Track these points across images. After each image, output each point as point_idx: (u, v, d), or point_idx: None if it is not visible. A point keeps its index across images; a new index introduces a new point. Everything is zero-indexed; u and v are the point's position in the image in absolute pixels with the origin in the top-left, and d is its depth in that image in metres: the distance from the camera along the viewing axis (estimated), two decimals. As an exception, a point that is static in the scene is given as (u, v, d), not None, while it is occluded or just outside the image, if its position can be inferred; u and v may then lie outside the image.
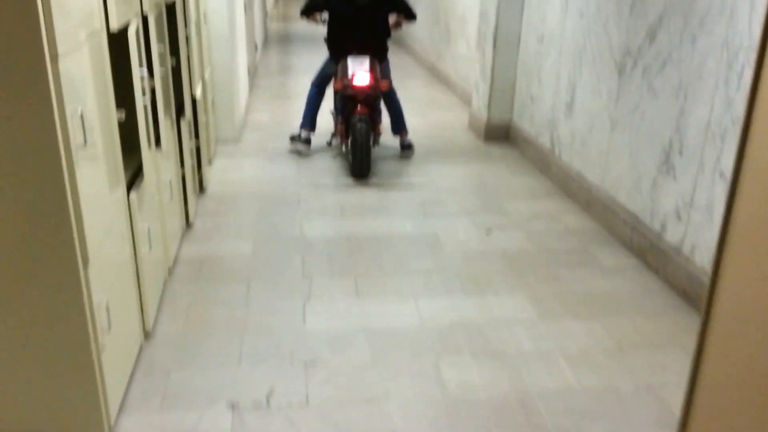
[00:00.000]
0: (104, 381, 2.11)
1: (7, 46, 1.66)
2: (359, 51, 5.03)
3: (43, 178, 1.79)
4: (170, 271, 3.33)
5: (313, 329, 2.91)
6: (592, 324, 2.99)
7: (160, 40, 3.00)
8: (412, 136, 5.70)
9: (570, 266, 3.53)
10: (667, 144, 3.37)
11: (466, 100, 7.20)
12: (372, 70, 4.86)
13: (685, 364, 2.69)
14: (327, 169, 5.09)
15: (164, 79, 3.11)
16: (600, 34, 4.07)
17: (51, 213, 1.83)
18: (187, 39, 3.80)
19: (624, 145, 3.82)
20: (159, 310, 3.00)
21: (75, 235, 1.88)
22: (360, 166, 4.79)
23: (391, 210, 4.28)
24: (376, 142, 5.20)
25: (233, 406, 2.40)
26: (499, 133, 5.82)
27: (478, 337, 2.87)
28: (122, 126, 2.45)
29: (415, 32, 10.16)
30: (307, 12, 5.29)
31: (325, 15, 5.28)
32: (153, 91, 2.82)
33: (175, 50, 3.51)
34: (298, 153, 5.45)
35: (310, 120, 5.42)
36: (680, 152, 3.26)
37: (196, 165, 4.16)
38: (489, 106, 5.76)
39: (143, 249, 2.66)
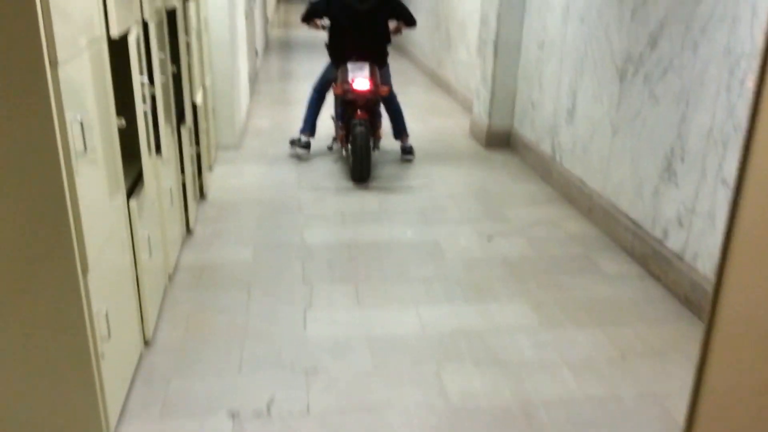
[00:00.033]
0: (104, 389, 2.09)
1: (7, 52, 1.65)
2: (359, 57, 5.07)
3: (42, 186, 1.78)
4: (170, 278, 3.32)
5: (314, 336, 2.89)
6: (594, 331, 2.97)
7: (160, 47, 2.99)
8: (413, 142, 5.70)
9: (571, 273, 3.52)
10: (669, 150, 3.36)
11: (466, 106, 7.19)
12: (372, 75, 4.89)
13: (688, 371, 2.68)
14: (327, 174, 5.09)
15: (165, 85, 3.10)
16: (601, 40, 4.07)
17: (50, 220, 1.82)
18: (188, 46, 3.80)
19: (625, 152, 3.81)
20: (159, 317, 2.99)
21: (74, 243, 1.87)
22: (360, 169, 4.82)
23: (392, 216, 4.27)
24: (376, 146, 5.24)
25: (233, 415, 2.38)
26: (500, 140, 5.82)
27: (479, 345, 2.85)
28: (122, 133, 2.44)
29: (416, 38, 10.17)
30: (308, 18, 5.35)
31: (326, 21, 5.32)
32: (153, 98, 2.82)
33: (175, 57, 3.50)
34: (298, 157, 5.47)
35: (310, 124, 5.46)
36: (682, 159, 3.25)
37: (196, 171, 4.15)
38: (490, 112, 5.75)
39: (143, 256, 2.65)
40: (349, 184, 4.87)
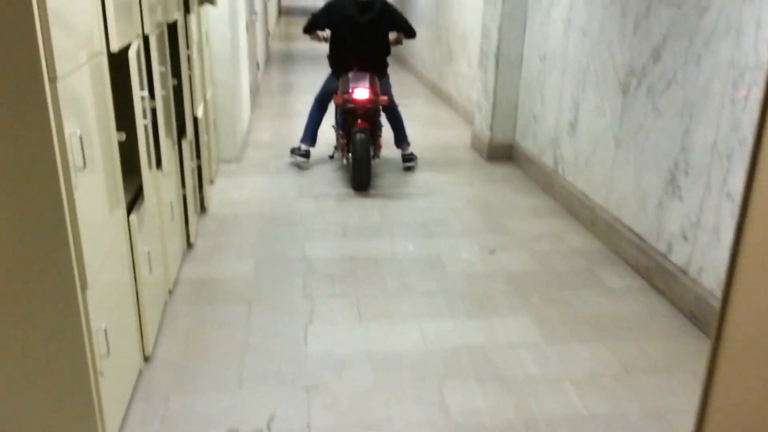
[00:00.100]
0: (102, 407, 2.06)
1: (6, 67, 1.63)
2: (360, 67, 5.17)
3: (41, 201, 1.76)
4: (171, 293, 3.29)
5: (315, 352, 2.86)
6: (598, 347, 2.94)
7: (161, 60, 2.98)
8: (414, 152, 5.71)
9: (575, 287, 3.49)
10: (673, 164, 3.34)
11: (468, 119, 7.19)
12: (371, 85, 4.98)
13: (694, 388, 2.64)
14: (329, 182, 5.10)
15: (165, 99, 3.09)
16: (603, 53, 4.06)
17: (49, 236, 1.80)
18: (189, 59, 3.79)
19: (628, 165, 3.79)
20: (159, 332, 2.96)
21: (73, 259, 1.85)
22: (360, 177, 4.89)
23: (394, 230, 4.24)
24: (376, 154, 5.33)
25: (233, 433, 2.35)
26: (502, 152, 5.80)
27: (482, 361, 2.82)
28: (123, 147, 2.43)
29: (417, 51, 10.19)
30: (309, 29, 5.45)
31: (327, 33, 5.42)
32: (154, 112, 2.80)
33: (176, 70, 3.49)
34: (298, 166, 5.52)
35: (310, 134, 5.53)
36: (686, 172, 3.22)
37: (197, 184, 4.14)
38: (491, 124, 5.74)
39: (143, 271, 2.62)
40: (351, 194, 4.89)
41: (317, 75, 8.37)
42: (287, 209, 4.56)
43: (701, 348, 2.93)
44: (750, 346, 1.53)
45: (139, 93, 2.45)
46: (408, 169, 5.51)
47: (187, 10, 3.79)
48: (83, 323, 1.91)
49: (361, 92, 4.89)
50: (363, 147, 4.84)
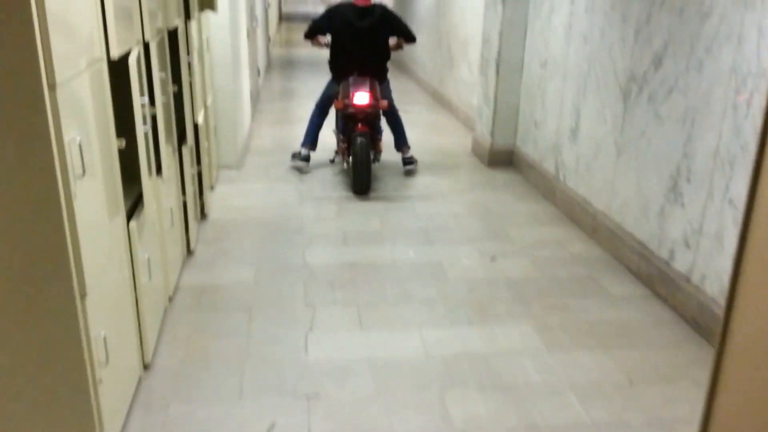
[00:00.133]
0: (101, 415, 2.05)
1: (5, 75, 1.63)
2: (360, 72, 5.21)
3: (40, 208, 1.75)
4: (170, 300, 3.28)
5: (316, 360, 2.85)
6: (600, 355, 2.92)
7: (161, 66, 2.98)
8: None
9: (577, 295, 3.48)
10: (675, 170, 3.32)
11: (468, 125, 7.18)
12: (372, 90, 5.02)
13: (697, 397, 2.62)
14: (329, 189, 5.08)
15: (166, 106, 3.08)
16: (604, 60, 4.05)
17: (48, 243, 1.79)
18: (190, 65, 3.79)
19: (630, 171, 3.78)
20: (159, 340, 2.94)
21: (72, 267, 1.84)
22: (360, 181, 4.93)
23: (394, 236, 4.23)
24: (376, 159, 5.35)
25: (233, 441, 2.34)
26: (503, 158, 5.80)
27: (484, 369, 2.80)
28: (123, 154, 2.42)
29: (418, 57, 10.20)
30: (311, 35, 5.50)
31: (328, 38, 5.45)
32: (154, 118, 2.80)
33: (177, 76, 3.49)
34: (298, 170, 5.54)
35: (311, 138, 5.56)
36: (688, 179, 3.21)
37: (197, 191, 4.12)
38: (492, 130, 5.74)
39: (143, 279, 2.61)
40: (351, 195, 4.93)
41: (318, 81, 8.36)
42: (288, 215, 4.55)
43: (704, 355, 2.91)
44: (754, 354, 1.51)
45: (139, 99, 2.44)
46: (408, 172, 5.53)
47: (187, 16, 3.78)
48: (82, 331, 1.90)
49: (361, 97, 4.92)
50: (363, 151, 4.87)
